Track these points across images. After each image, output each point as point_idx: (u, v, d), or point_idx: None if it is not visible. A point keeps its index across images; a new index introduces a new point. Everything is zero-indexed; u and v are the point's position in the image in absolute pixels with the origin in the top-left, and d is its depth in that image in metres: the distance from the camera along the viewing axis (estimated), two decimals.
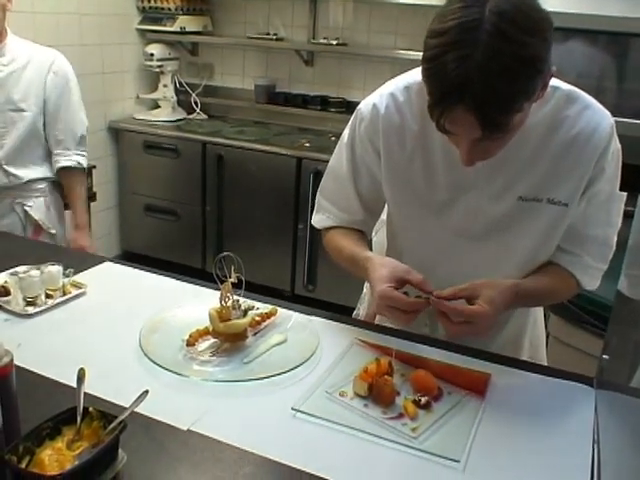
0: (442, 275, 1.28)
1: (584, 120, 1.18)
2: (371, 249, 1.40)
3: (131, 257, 3.97)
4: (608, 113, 1.20)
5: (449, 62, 0.95)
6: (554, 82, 1.18)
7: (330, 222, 1.42)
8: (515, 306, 1.28)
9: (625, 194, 1.26)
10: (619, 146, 1.22)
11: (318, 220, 1.45)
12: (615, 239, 1.28)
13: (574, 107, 1.18)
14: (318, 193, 1.45)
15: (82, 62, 2.39)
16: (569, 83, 1.20)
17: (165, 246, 3.97)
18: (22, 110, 2.12)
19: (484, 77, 0.94)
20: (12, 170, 2.14)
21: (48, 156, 2.25)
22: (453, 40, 0.96)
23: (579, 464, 0.97)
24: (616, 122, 1.20)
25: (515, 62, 0.95)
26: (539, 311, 1.47)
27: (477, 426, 1.04)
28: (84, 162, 2.30)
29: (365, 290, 1.64)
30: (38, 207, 2.23)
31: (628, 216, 1.23)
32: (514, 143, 1.15)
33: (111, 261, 1.62)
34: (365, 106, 1.30)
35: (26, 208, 2.20)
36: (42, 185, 2.24)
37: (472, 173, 1.19)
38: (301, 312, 1.37)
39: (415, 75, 1.24)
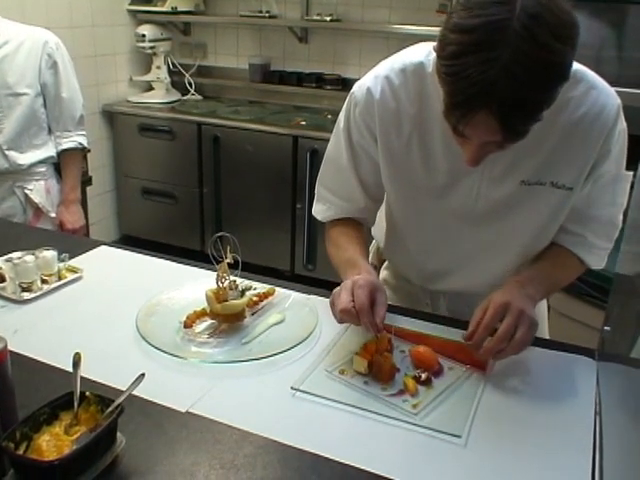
0: (441, 259, 1.27)
1: (590, 101, 1.13)
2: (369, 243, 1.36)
3: (130, 241, 3.96)
4: (614, 93, 1.16)
5: (474, 64, 0.89)
6: None
7: (331, 212, 1.37)
8: (540, 298, 1.22)
9: (631, 174, 1.23)
10: (625, 126, 1.17)
11: (319, 210, 1.40)
12: (621, 218, 1.26)
13: (579, 87, 1.13)
14: (317, 183, 1.40)
15: (73, 45, 2.36)
16: None
17: (163, 229, 3.96)
18: (18, 94, 2.10)
19: (510, 82, 0.89)
20: (12, 154, 2.13)
21: (48, 139, 2.23)
22: (480, 40, 0.89)
23: (581, 436, 0.96)
24: (616, 92, 1.16)
25: (544, 69, 0.90)
26: None
27: (478, 401, 1.03)
28: (85, 142, 2.30)
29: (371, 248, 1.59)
30: (38, 190, 2.22)
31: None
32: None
33: (107, 245, 1.61)
34: (359, 90, 1.25)
35: (26, 191, 2.19)
36: (42, 169, 2.22)
37: None
38: (300, 291, 1.36)
39: (411, 55, 1.20)
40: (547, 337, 1.44)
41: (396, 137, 1.22)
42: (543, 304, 1.46)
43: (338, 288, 1.15)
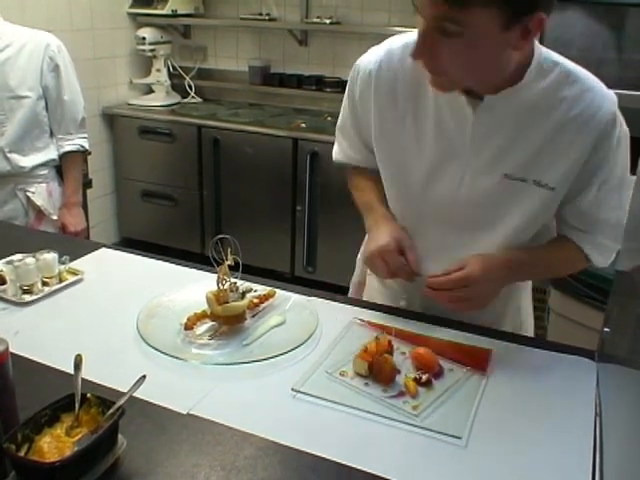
0: (422, 247, 1.29)
1: (584, 103, 1.13)
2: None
3: (130, 243, 3.96)
4: (613, 97, 1.15)
5: None
6: (557, 58, 1.15)
7: (344, 158, 1.44)
8: (512, 280, 1.28)
9: (634, 178, 1.20)
10: (626, 129, 1.17)
11: (336, 152, 1.46)
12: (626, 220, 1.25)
13: (574, 88, 1.13)
14: (337, 128, 1.45)
15: (73, 48, 2.36)
16: (569, 56, 1.18)
17: (164, 231, 3.96)
18: (20, 97, 2.10)
19: None
20: (14, 157, 2.13)
21: (50, 142, 2.23)
22: None
23: (581, 437, 0.97)
24: (616, 94, 1.16)
25: None
26: (527, 289, 1.45)
27: (479, 402, 1.03)
28: (86, 144, 2.31)
29: (359, 256, 1.61)
30: (40, 193, 2.22)
31: None
32: (504, 115, 1.13)
33: (107, 247, 1.61)
34: (361, 62, 1.30)
35: (28, 194, 2.19)
36: (44, 171, 2.23)
37: (460, 142, 1.18)
38: (300, 293, 1.36)
39: (414, 34, 1.20)
40: (531, 335, 1.44)
41: (391, 111, 1.25)
42: (527, 302, 1.46)
43: (369, 248, 1.27)
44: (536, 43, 1.13)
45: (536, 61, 1.13)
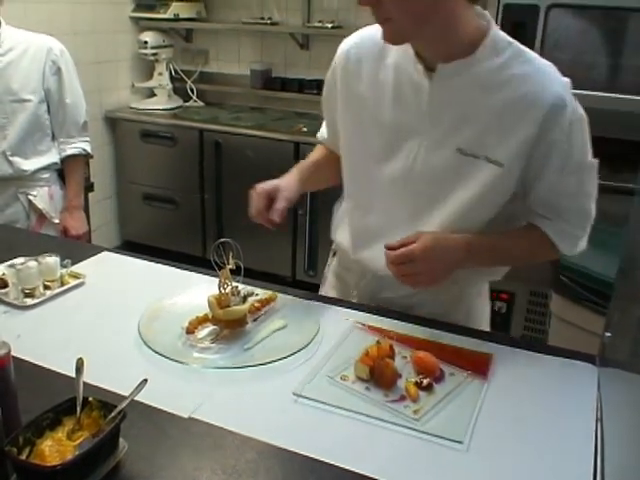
0: (377, 221, 1.32)
1: (531, 82, 1.15)
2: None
3: (131, 247, 3.96)
4: (563, 81, 1.17)
5: None
6: (511, 39, 1.19)
7: (320, 137, 1.53)
8: (470, 263, 1.27)
9: (597, 161, 1.23)
10: (582, 112, 1.18)
11: (320, 132, 1.54)
12: (593, 207, 1.26)
13: (525, 67, 1.16)
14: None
15: (76, 51, 2.36)
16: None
17: (165, 235, 3.97)
18: (23, 100, 2.11)
19: None
20: (16, 160, 2.13)
21: (52, 145, 2.24)
22: None
23: (582, 442, 0.97)
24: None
25: None
26: (485, 283, 1.45)
27: (480, 407, 1.03)
28: (88, 148, 2.31)
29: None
30: (42, 196, 2.22)
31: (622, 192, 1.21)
32: (458, 89, 1.18)
33: (109, 251, 1.61)
34: (342, 44, 1.35)
35: (30, 197, 2.19)
36: (46, 175, 2.23)
37: (416, 115, 1.22)
38: (301, 297, 1.36)
39: None
40: (488, 329, 1.43)
41: (356, 86, 1.30)
42: (485, 304, 1.46)
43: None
44: (492, 22, 1.18)
45: (490, 38, 1.16)
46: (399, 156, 1.26)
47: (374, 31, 1.26)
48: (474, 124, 1.19)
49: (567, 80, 1.18)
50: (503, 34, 1.19)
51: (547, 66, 1.18)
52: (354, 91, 1.30)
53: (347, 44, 1.33)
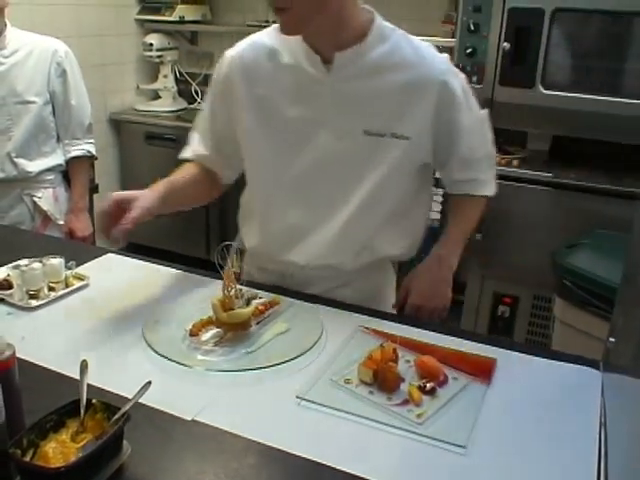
0: (298, 217, 1.35)
1: (422, 62, 1.28)
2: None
3: (135, 249, 3.95)
4: (443, 56, 1.31)
5: None
6: (393, 26, 1.31)
7: (188, 154, 1.51)
8: (453, 261, 1.43)
9: (487, 110, 1.42)
10: (463, 76, 1.35)
11: (183, 152, 1.53)
12: (493, 147, 1.46)
13: (411, 49, 1.29)
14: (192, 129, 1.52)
15: (81, 54, 2.38)
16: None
17: (169, 237, 3.97)
18: (28, 102, 2.12)
19: None
20: (21, 162, 2.14)
21: (57, 147, 2.25)
22: None
23: (586, 447, 0.96)
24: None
25: None
26: (389, 269, 1.55)
27: (483, 411, 1.03)
28: (93, 150, 2.33)
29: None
30: (46, 198, 2.23)
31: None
32: (355, 75, 1.26)
33: (113, 252, 1.62)
34: (226, 53, 1.38)
35: (35, 199, 2.21)
36: (51, 176, 2.24)
37: (320, 109, 1.29)
38: (304, 300, 1.36)
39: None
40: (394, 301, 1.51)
41: (256, 87, 1.33)
42: (390, 271, 1.54)
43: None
44: (375, 13, 1.30)
45: (376, 26, 1.29)
46: (308, 148, 1.31)
47: (260, 36, 1.36)
48: (376, 106, 1.28)
49: (444, 55, 1.33)
50: (386, 22, 1.31)
51: (428, 46, 1.32)
52: (255, 92, 1.33)
53: (236, 51, 1.37)
